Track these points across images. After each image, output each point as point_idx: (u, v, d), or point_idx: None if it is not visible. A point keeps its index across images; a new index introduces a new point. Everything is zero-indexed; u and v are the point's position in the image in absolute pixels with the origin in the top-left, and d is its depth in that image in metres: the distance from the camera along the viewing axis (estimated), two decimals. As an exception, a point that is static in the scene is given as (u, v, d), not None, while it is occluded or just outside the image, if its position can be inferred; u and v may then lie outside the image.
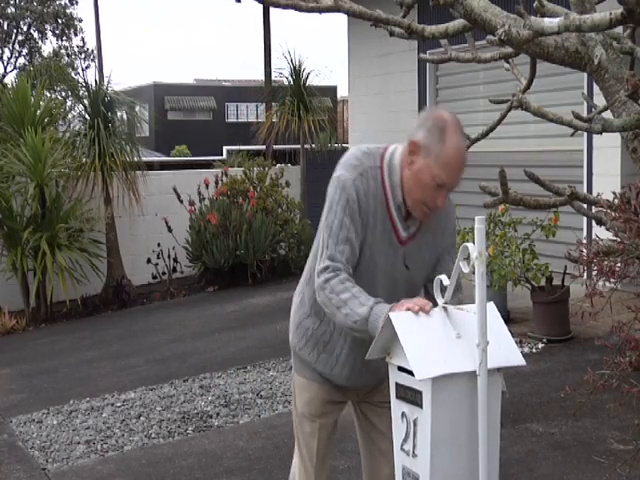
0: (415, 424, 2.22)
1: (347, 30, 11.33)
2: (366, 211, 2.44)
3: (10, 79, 26.42)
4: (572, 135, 4.24)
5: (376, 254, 2.47)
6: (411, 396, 2.22)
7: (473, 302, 2.21)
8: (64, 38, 30.92)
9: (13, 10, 29.88)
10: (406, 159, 2.41)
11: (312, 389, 2.67)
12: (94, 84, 10.15)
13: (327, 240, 2.43)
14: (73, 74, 23.46)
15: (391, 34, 4.05)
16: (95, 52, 26.37)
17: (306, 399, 2.68)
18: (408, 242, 2.50)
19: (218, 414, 5.18)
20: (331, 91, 18.52)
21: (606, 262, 2.85)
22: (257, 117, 24.52)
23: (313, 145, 11.58)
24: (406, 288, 2.55)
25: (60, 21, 30.57)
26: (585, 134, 7.27)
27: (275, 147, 12.20)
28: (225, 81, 38.15)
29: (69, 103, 11.23)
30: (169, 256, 10.04)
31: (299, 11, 3.69)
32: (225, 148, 16.57)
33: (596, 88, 4.11)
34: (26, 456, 4.84)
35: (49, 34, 30.81)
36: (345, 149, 13.29)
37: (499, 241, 6.15)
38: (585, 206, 3.78)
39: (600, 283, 2.85)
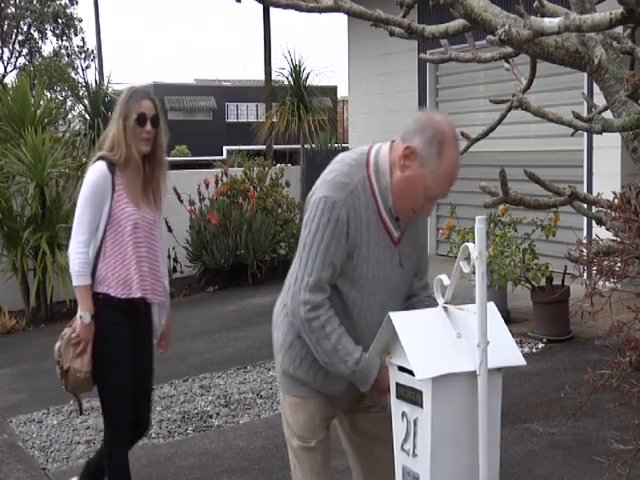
0: (415, 424, 2.22)
1: (347, 30, 11.33)
2: (359, 227, 2.40)
3: (10, 79, 26.43)
4: (572, 135, 4.24)
5: (376, 267, 2.45)
6: (411, 396, 2.23)
7: (473, 302, 2.22)
8: (64, 38, 30.95)
9: (13, 10, 29.88)
10: (399, 161, 2.38)
11: (309, 408, 2.58)
12: (94, 84, 10.16)
13: (312, 264, 2.39)
14: (73, 74, 23.45)
15: (391, 34, 4.04)
16: (95, 52, 26.43)
17: (303, 420, 2.59)
18: (400, 241, 2.50)
19: (218, 414, 5.19)
20: (331, 91, 18.50)
21: (606, 262, 2.85)
22: (257, 117, 24.55)
23: (313, 145, 11.58)
24: (402, 289, 2.57)
25: (60, 21, 30.58)
26: (585, 134, 7.27)
27: (275, 147, 12.20)
28: (225, 81, 38.14)
29: (69, 103, 11.23)
30: (169, 256, 10.03)
31: (299, 11, 3.69)
32: (225, 148, 16.58)
33: (596, 88, 4.10)
34: (26, 456, 4.84)
35: (49, 34, 30.84)
36: (345, 149, 13.33)
37: (499, 241, 6.15)
38: (585, 206, 3.77)
39: (600, 283, 2.85)
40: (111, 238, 3.40)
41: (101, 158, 3.43)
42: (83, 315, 3.37)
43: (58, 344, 3.46)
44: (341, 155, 2.52)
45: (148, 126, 3.45)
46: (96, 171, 3.40)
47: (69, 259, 3.41)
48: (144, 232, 3.48)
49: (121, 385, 3.50)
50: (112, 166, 3.40)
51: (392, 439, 2.68)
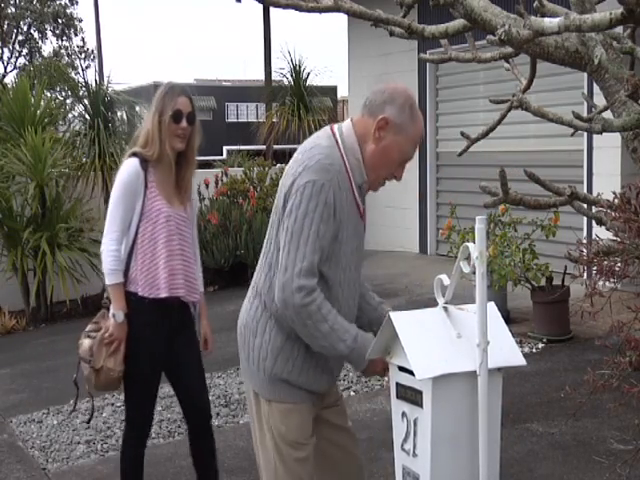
0: (415, 424, 2.22)
1: (347, 30, 11.33)
2: (343, 205, 2.42)
3: (10, 79, 26.43)
4: (572, 135, 4.24)
5: (352, 244, 2.49)
6: (411, 396, 2.23)
7: (473, 302, 2.22)
8: (64, 38, 30.95)
9: (13, 10, 29.89)
10: (374, 134, 2.43)
11: (301, 411, 2.52)
12: (94, 84, 10.15)
13: (303, 249, 2.34)
14: (73, 74, 23.46)
15: (391, 34, 4.05)
16: (95, 52, 26.43)
17: (297, 424, 2.51)
18: (364, 213, 2.57)
19: (218, 414, 5.18)
20: (331, 91, 18.51)
21: (606, 262, 2.85)
22: (257, 117, 24.54)
23: (313, 145, 11.58)
24: (362, 256, 2.63)
25: (60, 21, 30.59)
26: (585, 134, 7.27)
27: (275, 147, 12.19)
28: (225, 81, 38.15)
29: (69, 103, 11.22)
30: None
31: (299, 11, 3.69)
32: (225, 148, 16.57)
33: (596, 88, 4.11)
34: (26, 456, 4.84)
35: (49, 34, 30.84)
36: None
37: (499, 241, 6.16)
38: (585, 206, 3.78)
39: (600, 283, 2.85)
40: (142, 236, 3.34)
41: (134, 154, 3.37)
42: (116, 314, 3.33)
43: (88, 342, 3.40)
44: (309, 142, 2.56)
45: (184, 123, 3.39)
46: (128, 168, 3.35)
47: (101, 257, 3.35)
48: (176, 228, 3.42)
49: (148, 386, 3.48)
50: (145, 163, 3.35)
51: (352, 430, 2.70)
